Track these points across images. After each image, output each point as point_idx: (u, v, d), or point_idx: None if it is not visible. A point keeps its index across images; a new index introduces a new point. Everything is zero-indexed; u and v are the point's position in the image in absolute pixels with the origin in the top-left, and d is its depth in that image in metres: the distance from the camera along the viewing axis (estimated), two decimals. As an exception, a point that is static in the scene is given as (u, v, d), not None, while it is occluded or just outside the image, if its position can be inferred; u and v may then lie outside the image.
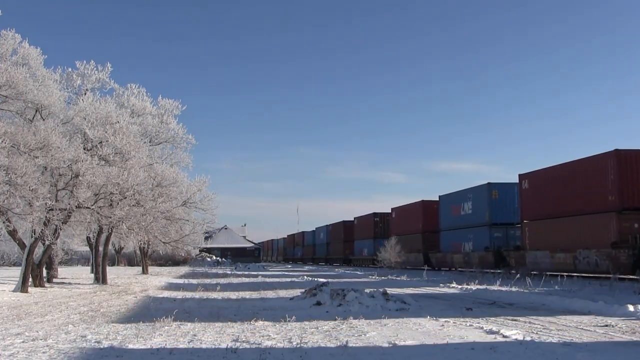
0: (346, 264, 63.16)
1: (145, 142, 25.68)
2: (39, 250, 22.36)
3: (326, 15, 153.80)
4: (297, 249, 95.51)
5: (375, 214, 57.11)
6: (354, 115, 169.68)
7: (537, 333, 10.03)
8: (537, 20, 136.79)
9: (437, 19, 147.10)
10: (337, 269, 49.57)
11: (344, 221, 67.72)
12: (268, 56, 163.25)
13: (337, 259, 69.11)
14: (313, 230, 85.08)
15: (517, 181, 32.61)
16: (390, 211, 53.39)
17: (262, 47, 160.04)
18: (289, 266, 69.34)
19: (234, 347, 8.61)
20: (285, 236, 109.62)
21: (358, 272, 41.12)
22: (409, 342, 9.06)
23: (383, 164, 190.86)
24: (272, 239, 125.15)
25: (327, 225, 75.56)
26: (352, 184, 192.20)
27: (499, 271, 30.73)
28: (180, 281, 28.60)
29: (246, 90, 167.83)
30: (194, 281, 28.72)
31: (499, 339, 9.37)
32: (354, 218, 63.80)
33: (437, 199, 43.94)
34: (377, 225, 56.31)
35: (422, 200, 45.57)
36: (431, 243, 43.32)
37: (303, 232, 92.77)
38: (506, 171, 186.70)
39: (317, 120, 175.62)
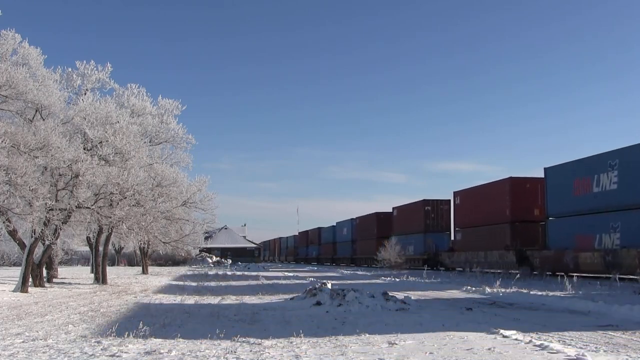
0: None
1: (145, 142, 25.68)
2: (39, 250, 22.37)
3: (326, 14, 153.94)
4: (311, 248, 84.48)
5: (425, 202, 45.18)
6: (354, 115, 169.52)
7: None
8: (537, 20, 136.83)
9: (437, 18, 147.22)
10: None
11: (377, 213, 56.47)
12: (268, 56, 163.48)
13: (366, 260, 55.35)
14: (333, 226, 73.47)
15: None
16: (444, 198, 44.11)
17: (262, 47, 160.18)
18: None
19: (233, 347, 8.61)
20: (297, 233, 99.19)
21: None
22: (409, 342, 9.06)
23: (383, 163, 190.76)
24: (280, 237, 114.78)
25: (352, 219, 64.46)
26: (352, 184, 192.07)
27: None
28: (180, 282, 28.60)
29: (246, 90, 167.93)
30: (194, 284, 28.72)
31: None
32: (393, 208, 52.13)
33: (532, 175, 33.01)
34: (429, 216, 44.62)
35: (511, 178, 33.18)
36: (527, 236, 31.70)
37: (319, 228, 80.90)
38: (507, 171, 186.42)
39: (317, 120, 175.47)
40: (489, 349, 8.29)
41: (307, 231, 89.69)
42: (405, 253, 45.55)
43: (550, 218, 29.57)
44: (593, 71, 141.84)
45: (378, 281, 28.95)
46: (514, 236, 32.01)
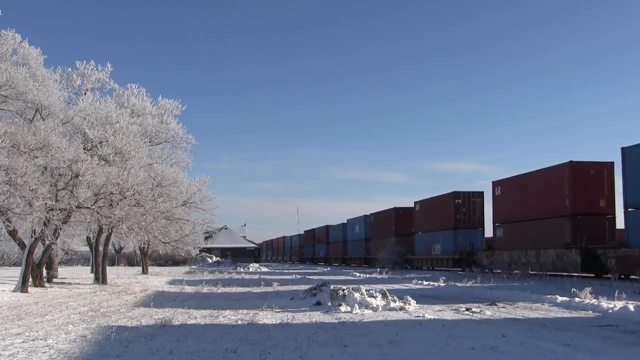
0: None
1: (145, 142, 25.68)
2: (39, 250, 22.37)
3: (326, 14, 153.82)
4: (318, 247, 79.20)
5: (456, 194, 39.60)
6: (354, 115, 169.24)
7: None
8: (537, 20, 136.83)
9: (437, 18, 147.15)
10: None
11: (395, 208, 51.20)
12: (268, 56, 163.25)
13: (382, 260, 48.80)
14: (343, 223, 67.95)
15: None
16: (480, 189, 39.18)
17: (262, 47, 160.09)
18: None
19: (234, 346, 8.61)
20: (300, 232, 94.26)
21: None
22: (409, 342, 9.06)
23: (383, 163, 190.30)
24: (284, 236, 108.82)
25: (365, 215, 59.46)
26: (352, 183, 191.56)
27: None
28: (180, 285, 28.59)
29: (246, 90, 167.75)
30: (192, 286, 28.70)
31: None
32: (415, 202, 46.65)
33: (599, 159, 27.74)
34: (459, 211, 39.14)
35: (571, 162, 27.42)
36: (592, 232, 26.50)
37: (327, 225, 75.65)
38: (507, 171, 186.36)
39: (317, 120, 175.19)
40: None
41: (313, 229, 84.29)
42: (430, 253, 40.97)
43: (629, 209, 23.79)
44: (593, 71, 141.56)
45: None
46: (576, 232, 26.64)
